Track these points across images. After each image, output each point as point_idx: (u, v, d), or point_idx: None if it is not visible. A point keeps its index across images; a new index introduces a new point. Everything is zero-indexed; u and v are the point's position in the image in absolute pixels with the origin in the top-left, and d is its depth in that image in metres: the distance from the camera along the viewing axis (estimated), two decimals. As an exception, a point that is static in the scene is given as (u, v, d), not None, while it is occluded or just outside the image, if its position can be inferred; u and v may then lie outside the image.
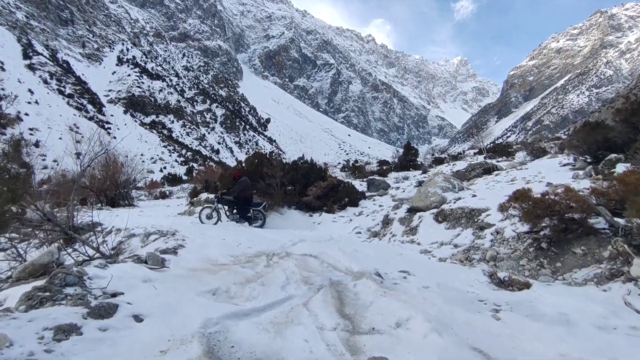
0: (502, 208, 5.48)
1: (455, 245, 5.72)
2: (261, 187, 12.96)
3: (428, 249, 5.95)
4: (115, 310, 2.39)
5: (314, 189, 12.42)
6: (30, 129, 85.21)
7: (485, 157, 23.25)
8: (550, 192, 4.30)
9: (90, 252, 5.29)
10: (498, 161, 17.86)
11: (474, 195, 7.36)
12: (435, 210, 7.26)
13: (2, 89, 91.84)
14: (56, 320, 2.03)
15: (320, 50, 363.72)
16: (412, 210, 8.10)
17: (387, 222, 8.67)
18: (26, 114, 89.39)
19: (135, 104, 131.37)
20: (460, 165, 18.60)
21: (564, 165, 10.42)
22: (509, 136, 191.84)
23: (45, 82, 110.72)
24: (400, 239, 7.18)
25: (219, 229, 8.38)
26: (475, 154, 31.74)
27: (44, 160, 74.04)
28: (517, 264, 4.40)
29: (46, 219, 5.08)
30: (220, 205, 10.36)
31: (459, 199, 7.35)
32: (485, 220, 5.79)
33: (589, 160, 9.65)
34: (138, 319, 2.38)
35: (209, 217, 10.18)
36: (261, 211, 10.41)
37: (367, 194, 14.17)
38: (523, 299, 3.32)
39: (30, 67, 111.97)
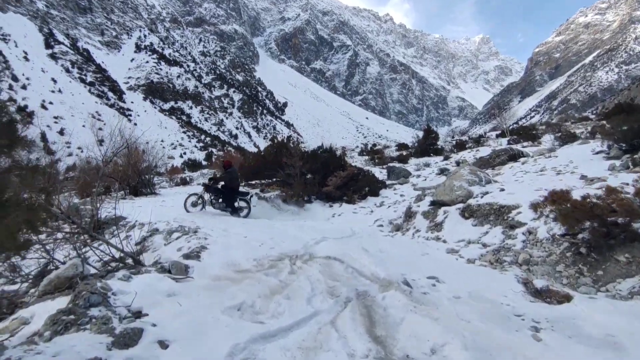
0: (536, 207, 5.22)
1: (484, 245, 5.51)
2: (281, 177, 12.90)
3: (455, 248, 5.75)
4: (140, 336, 2.33)
5: (333, 178, 12.26)
6: (55, 117, 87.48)
7: (509, 141, 22.49)
8: (591, 194, 4.02)
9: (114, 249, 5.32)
10: (524, 146, 17.24)
11: (502, 189, 7.07)
12: (461, 205, 7.01)
13: (27, 79, 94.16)
14: (80, 354, 1.98)
15: (336, 31, 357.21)
16: (436, 204, 7.87)
17: (410, 215, 8.47)
18: (50, 103, 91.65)
19: (154, 91, 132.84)
20: (484, 151, 18.06)
21: (597, 152, 9.91)
22: (533, 116, 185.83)
23: (67, 70, 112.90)
24: (424, 235, 6.99)
25: (239, 224, 8.36)
26: (497, 136, 30.77)
27: (68, 147, 76.26)
28: (554, 270, 4.17)
29: (70, 221, 5.12)
30: (206, 194, 10.48)
31: (487, 193, 7.07)
32: (515, 219, 5.53)
33: (624, 147, 9.13)
34: (164, 344, 2.32)
35: (194, 204, 10.32)
36: (247, 201, 10.53)
37: (388, 182, 13.93)
38: (564, 315, 3.13)
39: (52, 56, 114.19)
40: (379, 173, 16.11)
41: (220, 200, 10.33)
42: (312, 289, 3.53)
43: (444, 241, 6.32)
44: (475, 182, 7.66)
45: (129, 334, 2.29)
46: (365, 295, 3.45)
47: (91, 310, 2.52)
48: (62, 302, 2.91)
